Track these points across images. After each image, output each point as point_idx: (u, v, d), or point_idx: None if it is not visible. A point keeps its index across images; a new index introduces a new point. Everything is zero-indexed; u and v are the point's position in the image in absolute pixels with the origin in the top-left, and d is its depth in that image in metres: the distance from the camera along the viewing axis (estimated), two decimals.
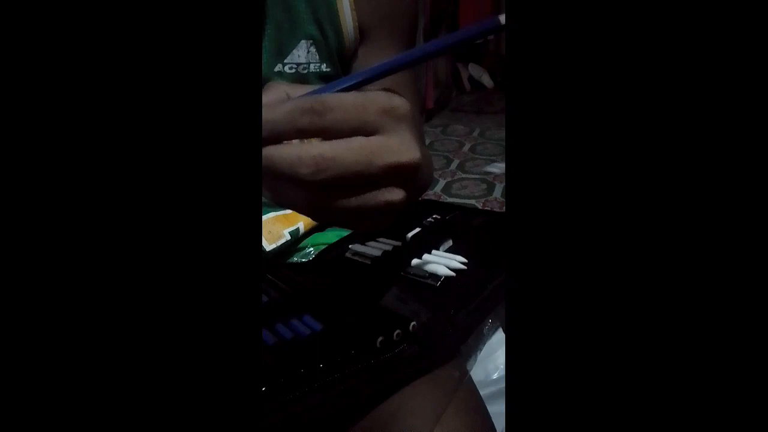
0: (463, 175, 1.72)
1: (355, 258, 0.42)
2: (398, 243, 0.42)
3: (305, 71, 0.43)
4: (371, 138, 0.21)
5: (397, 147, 0.20)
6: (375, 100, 0.21)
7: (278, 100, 0.22)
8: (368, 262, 0.40)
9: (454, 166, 1.80)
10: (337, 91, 0.22)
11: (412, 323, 0.26)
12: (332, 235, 0.49)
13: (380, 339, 0.25)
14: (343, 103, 0.20)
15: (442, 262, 0.37)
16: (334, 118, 0.20)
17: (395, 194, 0.21)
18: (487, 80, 2.55)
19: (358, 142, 0.20)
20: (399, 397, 0.24)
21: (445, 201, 1.54)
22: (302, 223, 0.47)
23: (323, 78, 0.44)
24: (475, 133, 2.08)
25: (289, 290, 0.34)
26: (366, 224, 0.22)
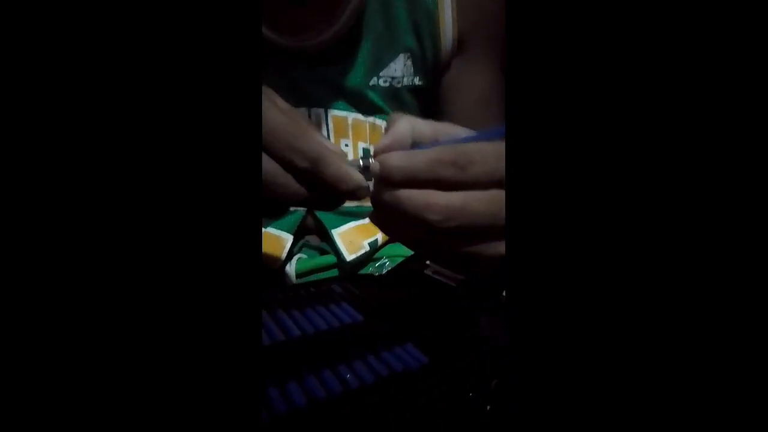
0: None
1: (437, 277, 0.42)
2: None
3: (399, 84, 0.43)
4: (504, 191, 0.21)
5: None
6: None
7: (405, 136, 0.22)
8: (453, 284, 0.40)
9: None
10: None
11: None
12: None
13: (495, 381, 0.26)
14: (486, 156, 0.21)
15: None
16: (475, 172, 0.20)
17: None
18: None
19: (491, 195, 0.21)
20: None
21: None
22: (380, 234, 0.47)
23: (414, 91, 0.44)
24: None
25: (377, 311, 0.35)
26: (473, 269, 0.23)
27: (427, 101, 0.46)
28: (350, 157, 0.44)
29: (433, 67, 0.43)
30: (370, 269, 0.48)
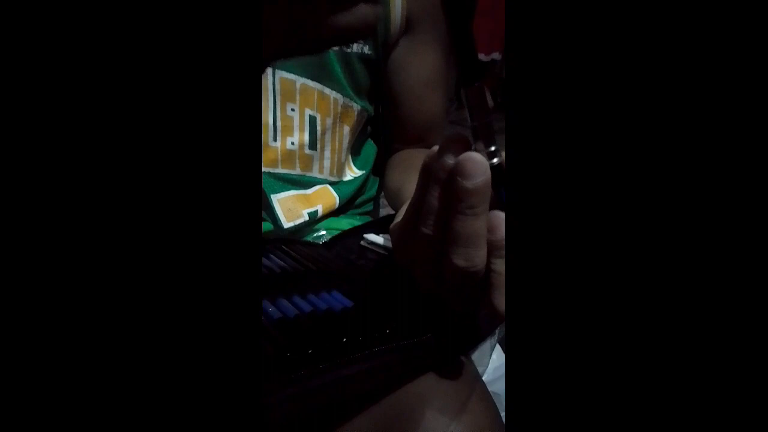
0: None
1: (371, 248, 0.43)
2: None
3: (349, 50, 0.43)
4: None
5: None
6: None
7: None
8: (385, 252, 0.41)
9: None
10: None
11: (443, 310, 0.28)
12: (345, 222, 0.50)
13: (410, 321, 0.27)
14: None
15: None
16: None
17: None
18: (488, 99, 2.60)
19: None
20: (426, 379, 0.26)
21: None
22: (321, 205, 0.47)
23: (364, 61, 0.45)
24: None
25: (313, 266, 0.35)
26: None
27: (377, 76, 0.47)
28: (296, 121, 0.44)
29: (383, 42, 0.45)
30: (308, 239, 0.48)
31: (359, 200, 0.53)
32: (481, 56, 2.27)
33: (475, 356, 0.45)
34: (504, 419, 0.27)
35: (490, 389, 0.29)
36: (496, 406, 0.26)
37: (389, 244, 0.43)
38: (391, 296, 0.31)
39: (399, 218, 0.26)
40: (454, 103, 2.61)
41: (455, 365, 0.27)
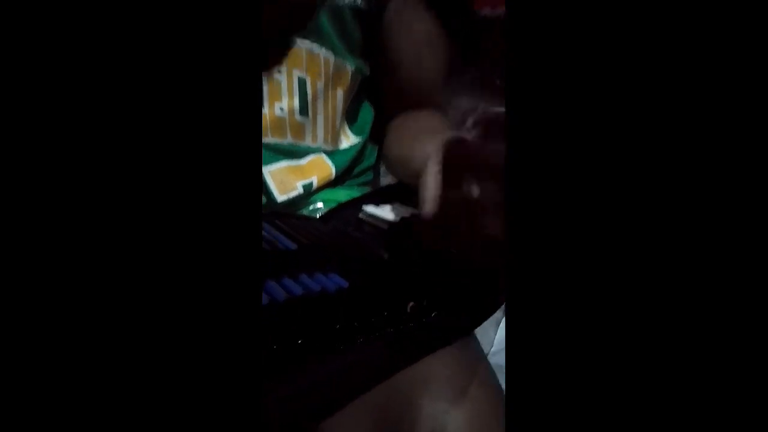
0: None
1: (370, 220, 0.41)
2: (415, 210, 0.41)
3: (341, 2, 0.40)
4: None
5: None
6: None
7: None
8: (385, 226, 0.39)
9: None
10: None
11: (440, 292, 0.26)
12: (343, 194, 0.47)
13: (411, 305, 0.25)
14: None
15: None
16: None
17: None
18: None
19: None
20: (424, 364, 0.24)
21: None
22: (316, 177, 0.45)
23: (356, 12, 0.41)
24: None
25: (307, 242, 0.33)
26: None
27: (371, 30, 0.43)
28: (284, 84, 0.41)
29: None
30: (303, 212, 0.46)
31: (357, 169, 0.50)
32: (486, 11, 2.16)
33: (479, 331, 0.44)
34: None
35: (496, 362, 0.28)
36: (500, 389, 0.25)
37: (389, 216, 0.40)
38: (390, 275, 0.29)
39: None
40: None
41: (458, 346, 0.26)
